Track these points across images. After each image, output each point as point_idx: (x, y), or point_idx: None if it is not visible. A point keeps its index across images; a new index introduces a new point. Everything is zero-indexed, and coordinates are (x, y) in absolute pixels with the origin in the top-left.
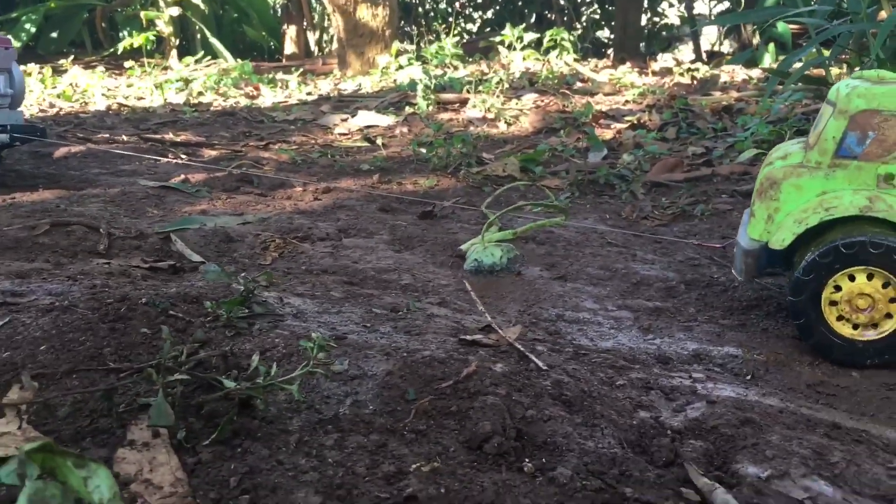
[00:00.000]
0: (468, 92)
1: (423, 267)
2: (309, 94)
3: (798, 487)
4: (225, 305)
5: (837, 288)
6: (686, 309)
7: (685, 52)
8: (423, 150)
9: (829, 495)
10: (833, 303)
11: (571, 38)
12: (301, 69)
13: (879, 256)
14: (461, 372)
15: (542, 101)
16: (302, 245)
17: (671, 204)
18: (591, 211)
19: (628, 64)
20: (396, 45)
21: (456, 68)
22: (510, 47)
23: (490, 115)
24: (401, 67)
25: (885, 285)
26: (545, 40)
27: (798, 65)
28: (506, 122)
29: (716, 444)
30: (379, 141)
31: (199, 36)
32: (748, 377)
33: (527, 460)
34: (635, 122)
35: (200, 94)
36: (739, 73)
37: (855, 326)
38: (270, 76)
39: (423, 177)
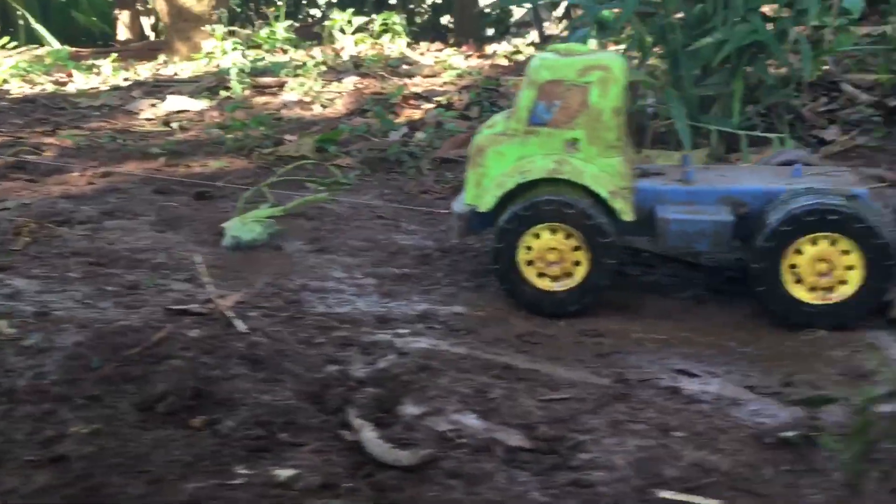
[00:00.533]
0: (288, 76)
1: (183, 245)
2: (126, 79)
3: (447, 421)
4: None
5: (531, 248)
6: (434, 274)
7: (534, 36)
8: (222, 133)
9: (474, 426)
10: (530, 262)
11: (402, 22)
12: (119, 54)
13: (556, 212)
14: (152, 338)
15: (363, 83)
16: (59, 229)
17: (454, 178)
18: (376, 187)
19: (464, 48)
20: (222, 29)
21: (286, 52)
22: (343, 31)
23: (307, 99)
24: (226, 52)
25: (567, 237)
26: (377, 24)
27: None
28: (321, 104)
29: (390, 390)
30: (176, 125)
31: (21, 22)
32: (463, 331)
33: (197, 417)
34: (444, 102)
35: (5, 81)
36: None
37: (554, 279)
38: (89, 62)
39: (215, 159)
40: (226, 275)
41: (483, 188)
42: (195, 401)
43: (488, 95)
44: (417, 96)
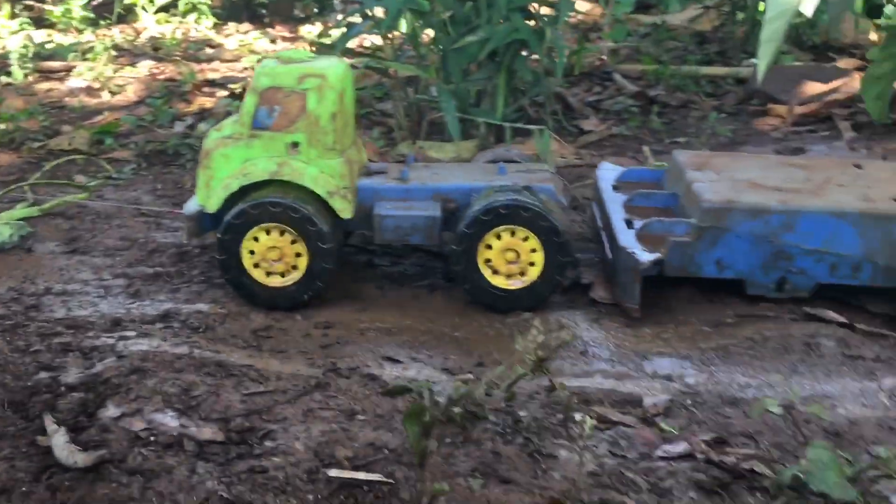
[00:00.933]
0: (77, 60)
1: None
2: None
3: (143, 421)
4: None
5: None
6: (189, 272)
7: (350, 18)
8: None
9: (168, 424)
10: (257, 263)
11: (209, 1)
12: None
13: (268, 214)
14: None
15: (159, 68)
16: None
17: None
18: (150, 182)
19: (277, 28)
20: (6, 7)
21: (81, 32)
22: (145, 10)
23: (96, 85)
24: (14, 32)
25: (293, 241)
26: (181, 3)
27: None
28: (110, 91)
29: (98, 394)
30: None
31: None
32: (200, 329)
33: None
34: (237, 90)
35: None
36: (370, 39)
37: (281, 274)
38: None
39: None
40: None
41: (211, 189)
42: None
43: None
44: (212, 83)
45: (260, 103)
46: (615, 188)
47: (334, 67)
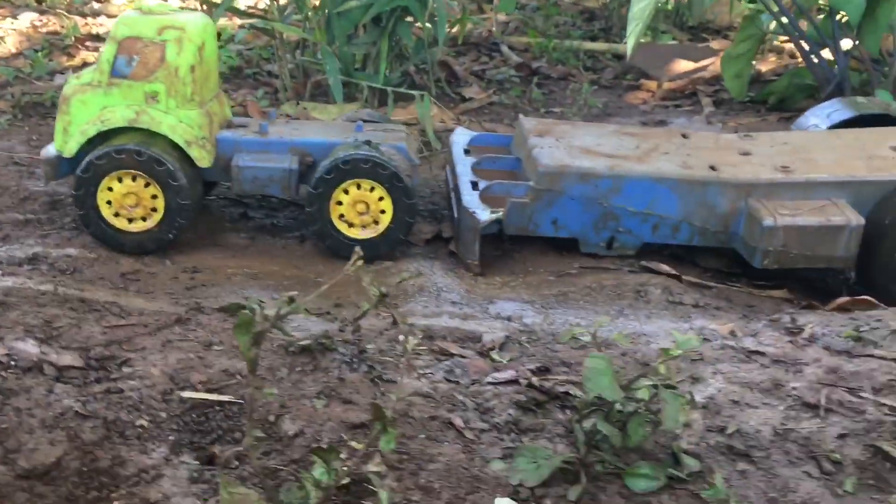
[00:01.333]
0: None
1: None
2: None
3: (3, 347)
4: None
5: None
6: (61, 219)
7: None
8: None
9: (29, 350)
10: (116, 211)
11: None
12: None
13: (127, 160)
14: None
15: (42, 20)
16: None
17: None
18: (27, 133)
19: None
20: None
21: None
22: None
23: None
24: None
25: (146, 185)
26: None
27: None
28: None
29: None
30: None
31: None
32: (68, 271)
33: None
34: None
35: None
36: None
37: (130, 220)
38: None
39: None
40: None
41: (69, 135)
42: None
43: None
44: (96, 38)
45: (119, 52)
46: (466, 152)
47: (194, 20)
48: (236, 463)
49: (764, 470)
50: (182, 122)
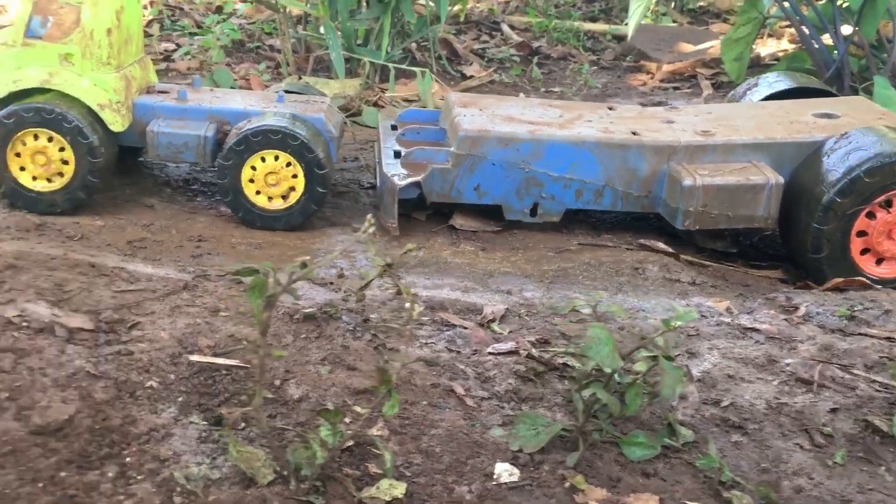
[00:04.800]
0: None
1: None
2: None
3: (15, 309)
4: None
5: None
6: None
7: None
8: None
9: (41, 312)
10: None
11: None
12: None
13: (47, 120)
14: None
15: None
16: None
17: None
18: None
19: None
20: None
21: None
22: None
23: None
24: None
25: (53, 143)
26: None
27: None
28: None
29: None
30: None
31: None
32: (76, 237)
33: None
34: None
35: None
36: None
37: (46, 179)
38: None
39: None
40: None
41: None
42: None
43: (171, 13)
44: None
45: (34, 12)
46: (393, 127)
47: None
48: (243, 424)
49: (757, 442)
50: (96, 86)
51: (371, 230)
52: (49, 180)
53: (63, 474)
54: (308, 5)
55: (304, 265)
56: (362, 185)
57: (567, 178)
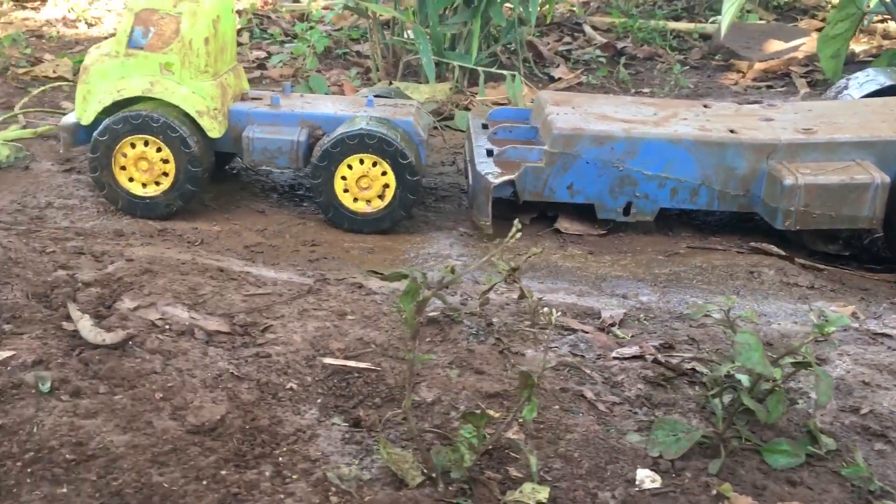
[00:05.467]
0: None
1: None
2: None
3: (156, 312)
4: None
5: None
6: None
7: None
8: None
9: (180, 315)
10: (124, 167)
11: None
12: None
13: (153, 128)
14: None
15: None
16: None
17: None
18: None
19: None
20: None
21: None
22: None
23: (72, 16)
24: None
25: (158, 150)
26: None
27: None
28: (87, 22)
29: (112, 290)
30: None
31: None
32: (197, 242)
33: None
34: None
35: None
36: None
37: (144, 185)
38: None
39: None
40: None
41: (87, 103)
42: None
43: (259, 21)
44: None
45: (136, 24)
46: (484, 126)
47: None
48: (381, 426)
49: None
50: (195, 93)
51: (517, 236)
52: (150, 185)
53: (223, 472)
54: (398, 11)
55: (452, 270)
56: (463, 189)
57: (662, 177)
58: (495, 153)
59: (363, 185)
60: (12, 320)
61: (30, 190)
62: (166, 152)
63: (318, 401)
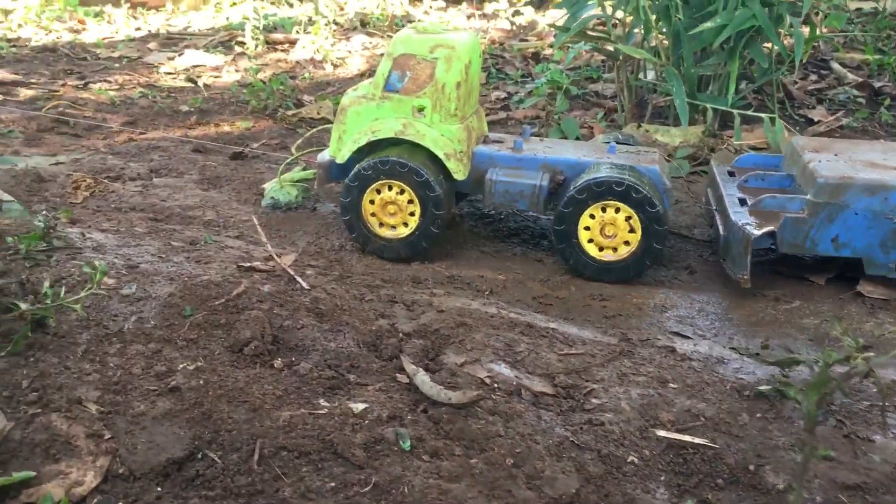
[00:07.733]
0: (298, 32)
1: (228, 204)
2: (138, 29)
3: (483, 369)
4: (24, 240)
5: (374, 201)
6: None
7: None
8: (244, 92)
9: (506, 374)
10: (374, 213)
11: None
12: (129, 2)
13: (400, 174)
14: (232, 292)
15: (371, 43)
16: (113, 185)
17: None
18: None
19: (464, 5)
20: None
21: (291, 5)
22: None
23: (318, 57)
24: (234, 4)
25: (401, 192)
26: None
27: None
28: (332, 63)
29: (433, 342)
30: (201, 82)
31: None
32: (487, 292)
33: (278, 359)
34: None
35: (20, 26)
36: (563, 19)
37: (386, 226)
38: (98, 9)
39: (241, 118)
40: (270, 233)
41: (342, 143)
42: (274, 345)
43: (494, 62)
44: None
45: (393, 68)
46: (730, 173)
47: (464, 40)
48: None
49: None
50: (444, 136)
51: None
52: (398, 227)
53: None
54: (648, 52)
55: (865, 359)
56: (681, 234)
57: None
58: (750, 203)
59: (608, 232)
60: (352, 370)
61: (321, 231)
62: (412, 195)
63: (661, 478)
